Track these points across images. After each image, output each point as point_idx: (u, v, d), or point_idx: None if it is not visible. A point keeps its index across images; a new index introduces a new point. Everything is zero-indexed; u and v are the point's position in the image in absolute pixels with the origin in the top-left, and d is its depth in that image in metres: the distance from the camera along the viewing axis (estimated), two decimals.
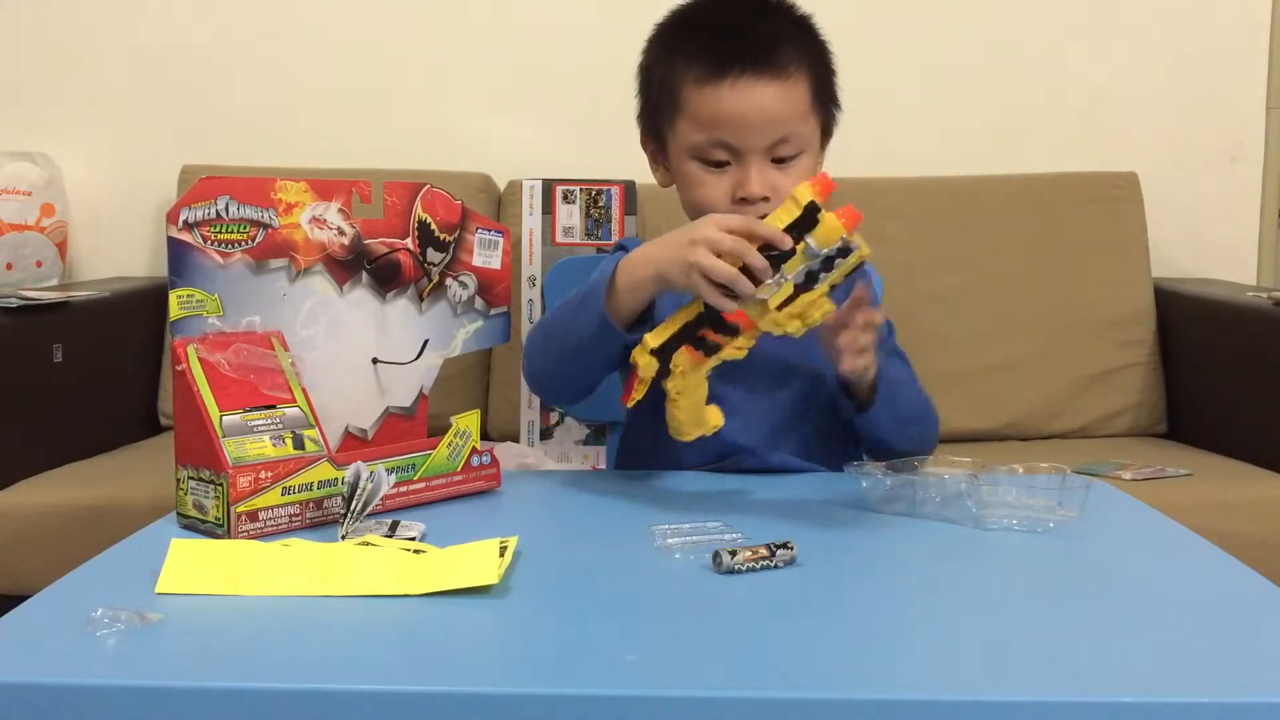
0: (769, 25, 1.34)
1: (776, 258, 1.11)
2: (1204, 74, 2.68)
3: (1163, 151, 2.67)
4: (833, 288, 1.14)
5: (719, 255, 1.12)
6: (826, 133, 1.39)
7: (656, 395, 1.38)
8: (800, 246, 1.11)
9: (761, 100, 1.30)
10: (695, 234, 1.15)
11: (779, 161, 1.32)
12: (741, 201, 1.32)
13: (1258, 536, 1.83)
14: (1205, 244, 2.70)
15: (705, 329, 1.15)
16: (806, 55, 1.34)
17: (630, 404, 1.18)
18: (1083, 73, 2.67)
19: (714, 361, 1.17)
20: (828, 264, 1.11)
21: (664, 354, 1.16)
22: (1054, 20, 2.68)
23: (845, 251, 1.11)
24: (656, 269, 1.18)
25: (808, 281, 1.12)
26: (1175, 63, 2.67)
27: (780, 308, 1.13)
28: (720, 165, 1.33)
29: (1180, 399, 2.45)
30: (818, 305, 1.13)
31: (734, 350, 1.17)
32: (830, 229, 1.10)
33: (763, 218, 1.14)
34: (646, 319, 1.22)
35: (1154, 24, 2.67)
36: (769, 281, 1.11)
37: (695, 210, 1.37)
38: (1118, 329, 2.46)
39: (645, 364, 1.16)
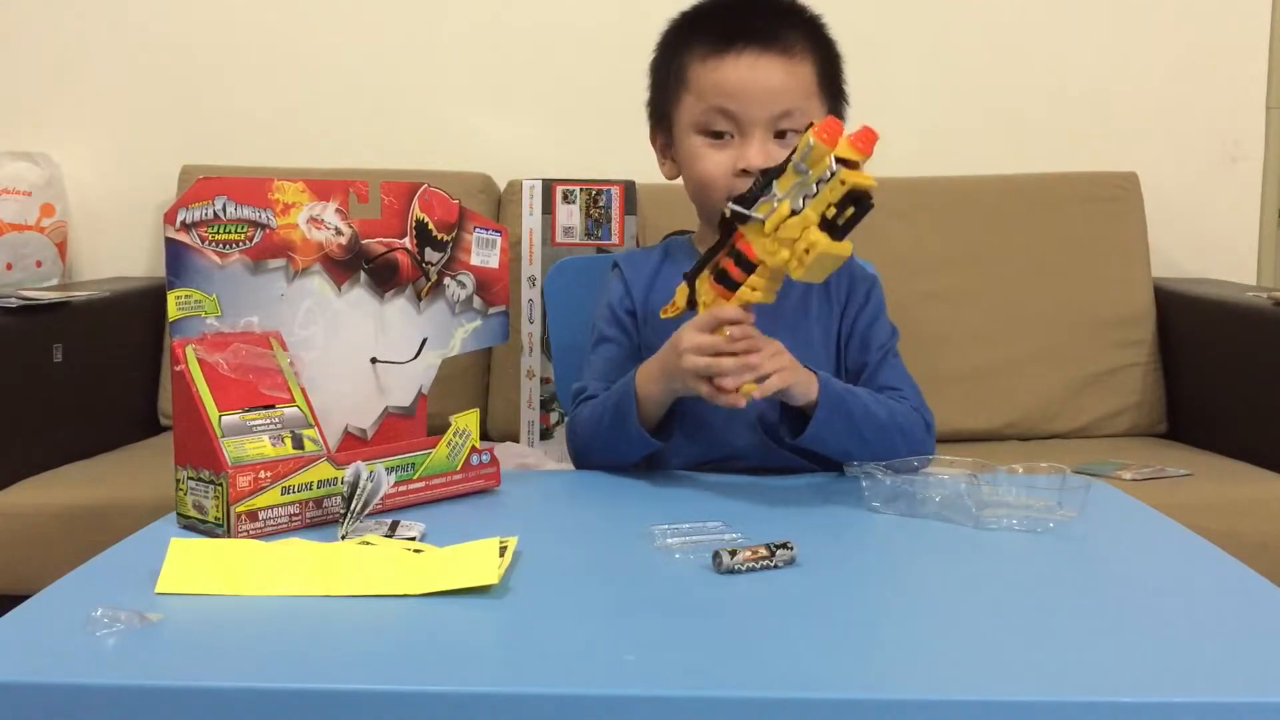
0: (777, 13, 1.37)
1: (770, 172, 1.13)
2: (1204, 74, 2.68)
3: (1163, 151, 2.66)
4: (833, 224, 1.09)
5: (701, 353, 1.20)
6: None
7: None
8: (790, 165, 1.11)
9: (765, 72, 1.32)
10: (678, 347, 1.22)
11: (782, 137, 1.34)
12: (742, 173, 1.33)
13: (1258, 536, 1.83)
14: (1205, 244, 2.70)
15: (727, 261, 1.18)
16: (813, 42, 1.36)
17: (663, 316, 1.27)
18: (1083, 73, 2.67)
19: (739, 299, 1.18)
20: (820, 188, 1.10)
21: (693, 283, 1.20)
22: (1054, 20, 2.67)
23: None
24: (668, 385, 1.27)
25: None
26: (1175, 63, 2.67)
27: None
28: (722, 137, 1.35)
29: (1180, 399, 2.45)
30: (806, 237, 1.10)
31: (750, 291, 1.17)
32: (819, 150, 1.09)
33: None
34: (672, 421, 1.31)
35: (1154, 24, 2.67)
36: (762, 199, 1.12)
37: (697, 187, 1.38)
38: (1118, 329, 2.46)
39: (679, 289, 1.22)
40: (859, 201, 1.08)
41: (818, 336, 1.39)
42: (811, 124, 1.10)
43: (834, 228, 1.09)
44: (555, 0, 2.67)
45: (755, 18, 1.35)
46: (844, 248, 1.11)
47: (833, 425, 1.25)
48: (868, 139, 1.10)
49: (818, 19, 1.40)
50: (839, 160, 1.09)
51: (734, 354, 1.18)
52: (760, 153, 1.32)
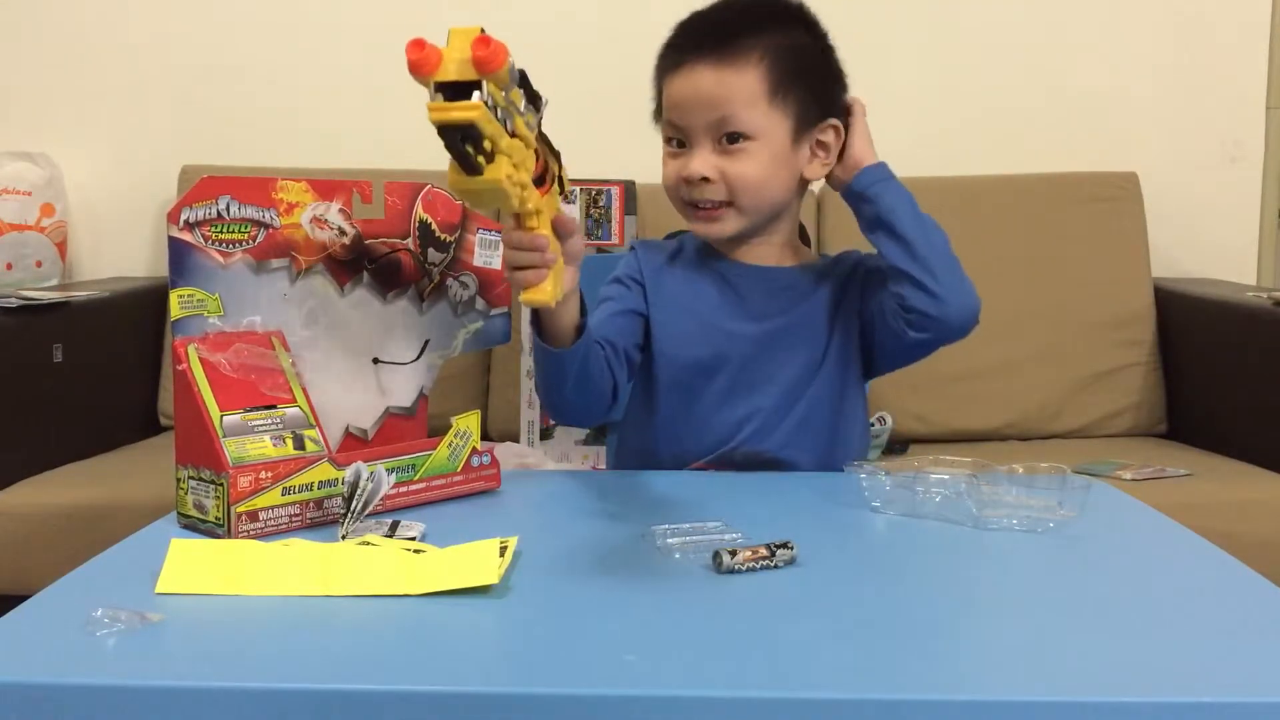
0: (724, 23, 1.35)
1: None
2: (1204, 74, 2.68)
3: (1163, 151, 2.67)
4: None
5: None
6: (806, 127, 1.36)
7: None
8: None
9: (700, 83, 1.33)
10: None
11: (735, 142, 1.33)
12: (684, 182, 1.35)
13: (1258, 536, 1.83)
14: (1205, 244, 2.70)
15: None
16: (763, 49, 1.32)
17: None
18: (1083, 73, 2.67)
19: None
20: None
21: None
22: (1054, 20, 2.68)
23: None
24: None
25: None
26: (1175, 63, 2.67)
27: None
28: (682, 148, 1.36)
29: (1180, 399, 2.45)
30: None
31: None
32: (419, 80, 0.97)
33: None
34: (580, 332, 1.24)
35: (1154, 24, 2.67)
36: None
37: (666, 192, 1.41)
38: (1118, 329, 2.46)
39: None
40: (445, 134, 0.99)
41: (823, 313, 1.39)
42: None
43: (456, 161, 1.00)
44: (556, 0, 2.67)
45: (704, 30, 1.35)
46: (476, 181, 1.00)
47: (891, 195, 1.32)
48: (481, 59, 0.96)
49: (774, 23, 1.35)
50: (441, 86, 0.99)
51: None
52: (700, 161, 1.33)
